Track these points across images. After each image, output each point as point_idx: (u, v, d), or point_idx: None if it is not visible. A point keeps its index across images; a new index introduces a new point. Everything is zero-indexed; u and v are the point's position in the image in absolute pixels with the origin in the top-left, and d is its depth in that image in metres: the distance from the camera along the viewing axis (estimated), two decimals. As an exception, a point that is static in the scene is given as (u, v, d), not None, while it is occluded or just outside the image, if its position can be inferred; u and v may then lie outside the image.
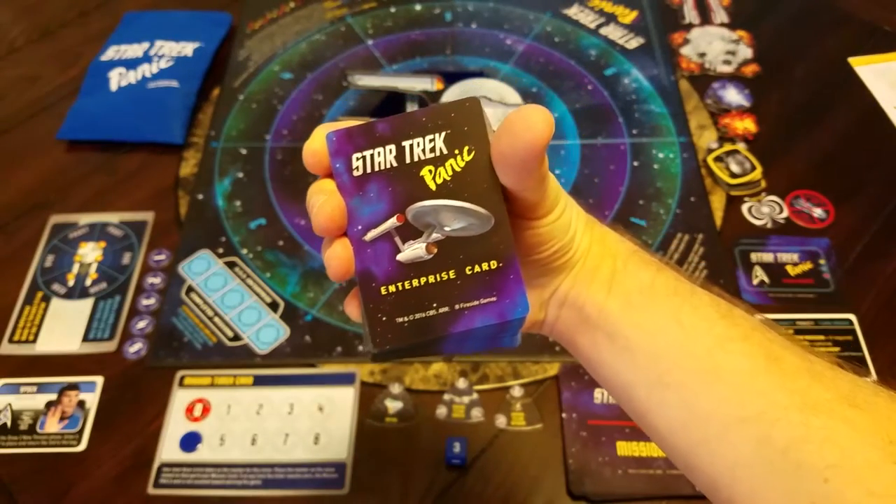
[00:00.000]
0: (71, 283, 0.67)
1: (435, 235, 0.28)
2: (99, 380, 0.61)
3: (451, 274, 0.28)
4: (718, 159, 0.74)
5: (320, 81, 0.84)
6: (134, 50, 0.86)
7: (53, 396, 0.60)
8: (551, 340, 0.61)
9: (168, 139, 0.78)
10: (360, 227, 0.28)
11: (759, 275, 0.65)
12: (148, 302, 0.66)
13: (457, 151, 0.28)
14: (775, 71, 0.82)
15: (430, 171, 0.28)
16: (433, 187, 0.28)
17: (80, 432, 0.58)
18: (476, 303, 0.28)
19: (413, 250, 0.28)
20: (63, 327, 0.64)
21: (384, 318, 0.28)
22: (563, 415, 0.57)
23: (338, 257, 0.28)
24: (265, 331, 0.63)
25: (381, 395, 0.59)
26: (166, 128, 0.78)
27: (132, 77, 0.82)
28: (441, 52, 0.86)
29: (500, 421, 0.57)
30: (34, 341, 0.64)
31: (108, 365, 0.62)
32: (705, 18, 0.89)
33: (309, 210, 0.29)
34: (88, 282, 0.67)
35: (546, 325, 0.33)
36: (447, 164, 0.28)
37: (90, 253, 0.70)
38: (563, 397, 0.58)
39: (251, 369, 0.61)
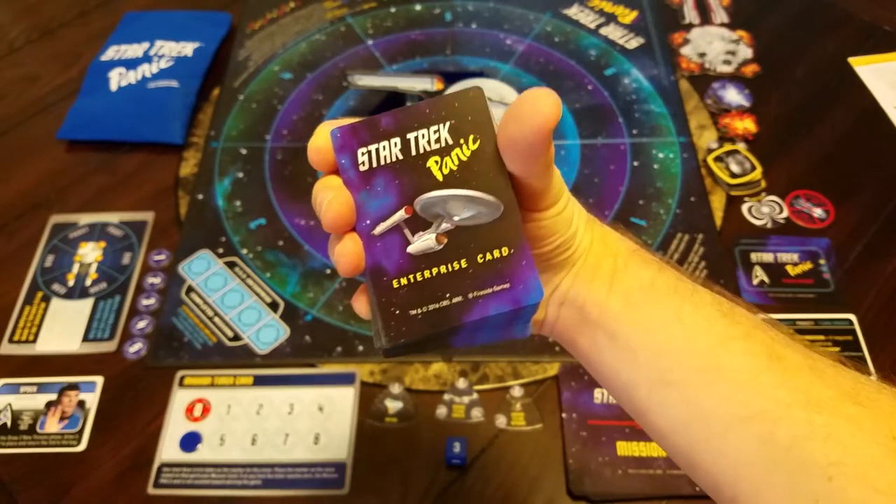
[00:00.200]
0: (71, 283, 0.67)
1: (444, 226, 0.28)
2: (99, 380, 0.61)
3: (463, 263, 0.28)
4: (718, 159, 0.74)
5: (320, 81, 0.84)
6: (134, 50, 0.86)
7: (53, 396, 0.60)
8: (551, 341, 0.61)
9: (168, 139, 0.78)
10: (368, 222, 0.28)
11: (759, 275, 0.65)
12: (148, 302, 0.66)
13: (462, 141, 0.28)
14: (775, 71, 0.82)
15: (437, 162, 0.28)
16: (440, 178, 0.28)
17: (80, 432, 0.58)
18: (489, 290, 0.28)
19: (423, 242, 0.28)
20: (63, 327, 0.64)
21: (397, 312, 0.28)
22: (563, 415, 0.57)
23: (348, 253, 0.28)
24: (265, 331, 0.63)
25: (381, 395, 0.59)
26: (166, 128, 0.78)
27: (132, 77, 0.82)
28: (441, 52, 0.86)
29: (500, 421, 0.57)
30: (34, 341, 0.64)
31: (108, 365, 0.62)
32: (705, 18, 0.89)
33: (316, 208, 0.29)
34: (88, 282, 0.67)
35: (546, 324, 0.33)
36: (453, 153, 0.28)
37: (90, 253, 0.70)
38: (563, 397, 0.58)
39: (251, 369, 0.61)
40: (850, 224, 0.69)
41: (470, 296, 0.28)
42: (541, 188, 0.28)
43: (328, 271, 0.67)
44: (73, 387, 0.61)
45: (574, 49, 0.86)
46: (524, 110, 0.26)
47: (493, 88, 0.81)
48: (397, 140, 0.29)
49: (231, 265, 0.68)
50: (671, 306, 0.30)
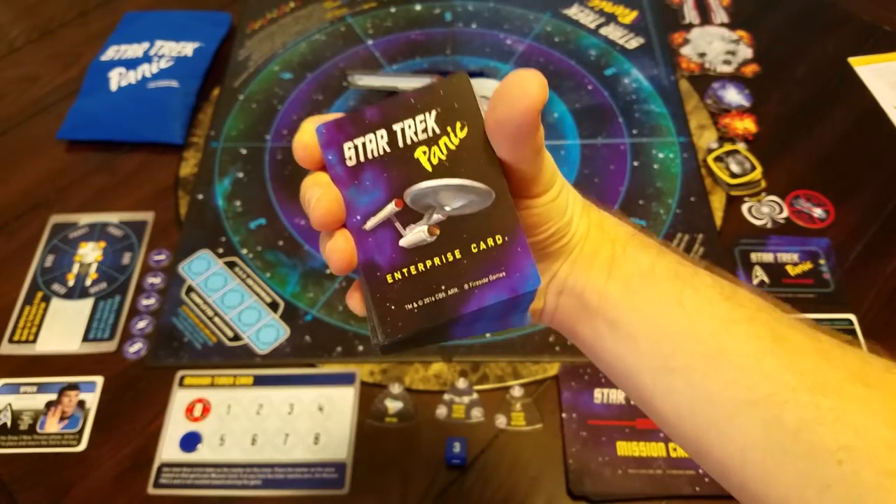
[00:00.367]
0: (71, 283, 0.67)
1: (436, 217, 0.28)
2: (99, 380, 0.61)
3: (457, 254, 0.27)
4: (718, 159, 0.74)
5: (320, 81, 0.84)
6: (134, 50, 0.86)
7: (53, 396, 0.60)
8: (551, 340, 0.61)
9: (168, 139, 0.78)
10: (358, 217, 0.28)
11: (759, 275, 0.65)
12: (148, 302, 0.66)
13: (449, 129, 0.28)
14: (775, 71, 0.82)
15: (425, 152, 0.28)
16: (429, 168, 0.28)
17: (80, 432, 0.58)
18: (485, 280, 0.27)
19: (415, 234, 0.27)
20: (63, 327, 0.64)
21: (392, 307, 0.27)
22: (563, 415, 0.57)
23: (339, 250, 0.27)
24: (265, 331, 0.63)
25: (381, 395, 0.59)
26: (166, 128, 0.78)
27: (132, 77, 0.82)
28: (441, 52, 0.86)
29: (500, 421, 0.57)
30: (34, 341, 0.64)
31: (108, 365, 0.62)
32: (705, 18, 0.89)
33: (305, 206, 0.28)
34: (88, 282, 0.67)
35: (545, 314, 0.33)
36: (441, 142, 0.28)
37: (90, 253, 0.70)
38: (563, 397, 0.58)
39: (251, 369, 0.61)
40: (850, 224, 0.69)
41: (466, 287, 0.27)
42: (532, 174, 0.28)
43: (328, 271, 0.67)
44: (73, 387, 0.61)
45: (574, 49, 0.86)
46: (511, 92, 0.25)
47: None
48: (383, 132, 0.28)
49: (231, 265, 0.68)
50: (672, 291, 0.29)
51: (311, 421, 0.58)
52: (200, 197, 0.73)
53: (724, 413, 0.27)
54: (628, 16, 0.89)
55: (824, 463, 0.24)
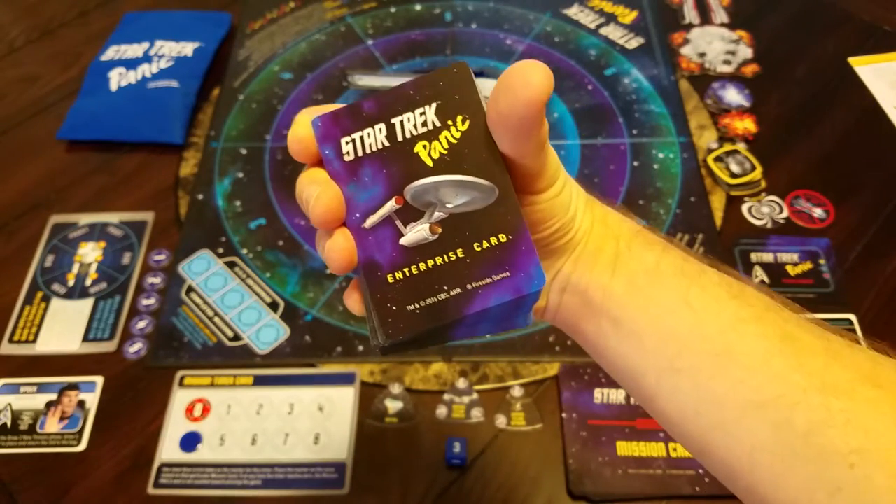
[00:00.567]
0: (71, 283, 0.67)
1: (438, 214, 0.27)
2: (99, 380, 0.61)
3: (460, 253, 0.26)
4: (718, 159, 0.74)
5: (320, 81, 0.84)
6: (134, 50, 0.86)
7: (53, 396, 0.60)
8: (551, 340, 0.61)
9: (168, 139, 0.78)
10: (357, 215, 0.27)
11: (759, 275, 0.65)
12: (148, 302, 0.66)
13: (450, 122, 0.27)
14: (775, 71, 0.82)
15: (425, 147, 0.27)
16: (430, 163, 0.27)
17: (80, 432, 0.58)
18: (489, 280, 0.26)
19: (416, 233, 0.27)
20: (63, 327, 0.64)
21: (393, 308, 0.26)
22: (563, 415, 0.57)
23: (339, 249, 0.26)
24: (265, 331, 0.63)
25: (381, 395, 0.59)
26: (166, 128, 0.78)
27: (132, 77, 0.82)
28: (441, 52, 0.86)
29: (500, 421, 0.57)
30: (34, 341, 0.64)
31: (108, 365, 0.62)
32: (705, 18, 0.89)
33: (303, 204, 0.28)
34: (88, 282, 0.67)
35: (548, 312, 0.32)
36: (442, 136, 0.27)
37: (90, 253, 0.70)
38: (563, 397, 0.58)
39: (251, 369, 0.61)
40: (850, 224, 0.69)
41: (469, 287, 0.26)
42: (535, 169, 0.27)
43: (328, 271, 0.67)
44: (73, 387, 0.61)
45: (574, 49, 0.86)
46: (514, 83, 0.24)
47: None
48: (382, 126, 0.27)
49: (231, 265, 0.68)
50: (678, 289, 0.28)
51: (311, 421, 0.58)
52: (200, 197, 0.73)
53: (731, 414, 0.26)
54: (628, 16, 0.89)
55: (835, 466, 0.24)
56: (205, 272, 0.67)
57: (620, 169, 0.74)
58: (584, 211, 0.30)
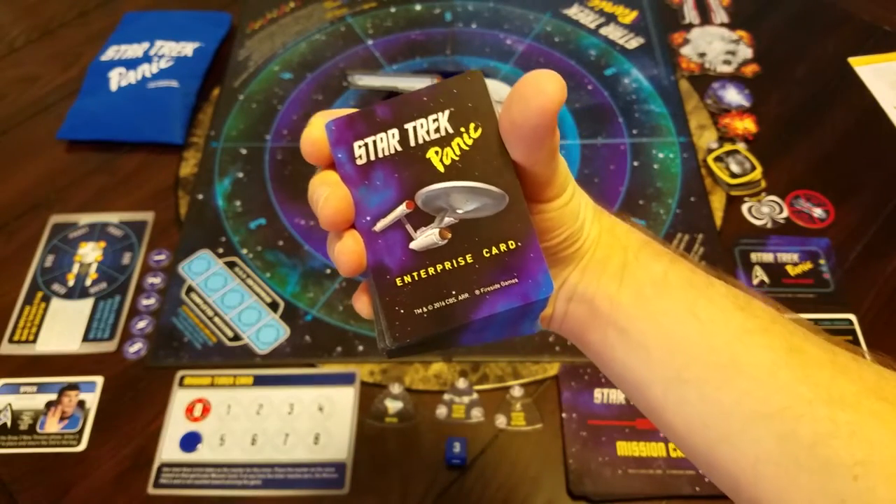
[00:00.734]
0: (71, 283, 0.67)
1: (448, 219, 0.27)
2: (99, 380, 0.61)
3: (469, 258, 0.27)
4: (718, 159, 0.74)
5: (320, 81, 0.84)
6: (134, 50, 0.86)
7: (53, 396, 0.60)
8: (551, 340, 0.61)
9: (168, 139, 0.78)
10: (368, 218, 0.27)
11: (759, 275, 0.65)
12: (148, 302, 0.66)
13: (463, 129, 0.27)
14: (775, 71, 0.82)
15: (437, 153, 0.27)
16: (441, 169, 0.27)
17: (80, 432, 0.58)
18: (497, 286, 0.26)
19: (426, 237, 0.27)
20: (63, 327, 0.64)
21: (401, 311, 0.26)
22: (563, 415, 0.57)
23: (349, 251, 0.27)
24: (265, 331, 0.63)
25: (381, 395, 0.59)
26: (166, 128, 0.78)
27: (132, 77, 0.82)
28: (441, 52, 0.86)
29: (500, 421, 0.57)
30: (34, 341, 0.64)
31: (108, 365, 0.62)
32: (705, 18, 0.89)
33: (313, 205, 0.28)
34: (88, 282, 0.67)
35: (554, 321, 0.32)
36: (454, 143, 0.27)
37: (90, 253, 0.70)
38: (563, 397, 0.58)
39: (251, 369, 0.61)
40: (850, 224, 0.69)
41: (477, 292, 0.26)
42: (546, 177, 0.27)
43: (328, 271, 0.67)
44: (73, 387, 0.61)
45: (574, 49, 0.86)
46: (527, 92, 0.24)
47: (493, 89, 0.80)
48: (395, 131, 0.27)
49: (231, 265, 0.68)
50: (686, 300, 0.28)
51: (311, 421, 0.58)
52: (200, 197, 0.73)
53: (737, 426, 0.26)
54: (628, 16, 0.89)
55: (840, 478, 0.24)
56: (205, 272, 0.67)
57: (620, 169, 0.74)
58: (593, 221, 0.30)
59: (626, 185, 0.72)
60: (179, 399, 0.60)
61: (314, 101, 0.82)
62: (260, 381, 0.60)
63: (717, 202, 0.71)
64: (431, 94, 0.28)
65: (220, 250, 0.69)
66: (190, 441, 0.57)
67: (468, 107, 0.27)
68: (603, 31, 0.88)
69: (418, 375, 0.60)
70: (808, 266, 0.66)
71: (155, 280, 0.67)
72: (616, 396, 0.58)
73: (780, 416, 0.25)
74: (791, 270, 0.66)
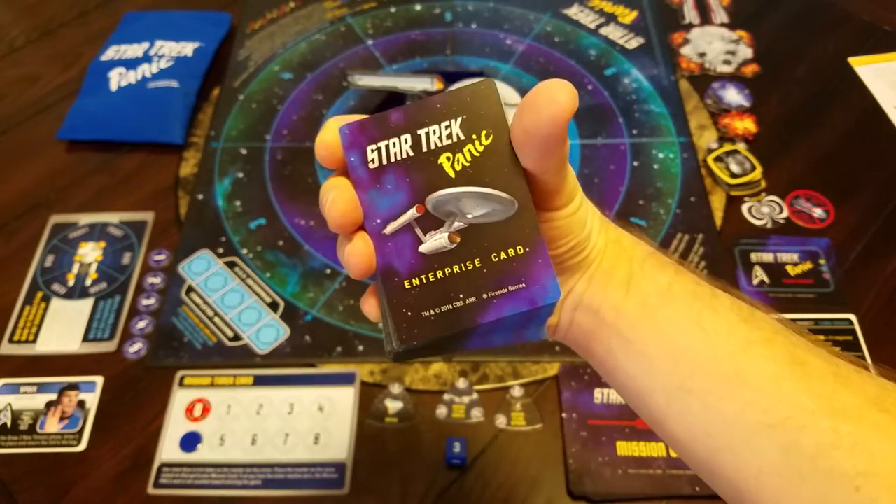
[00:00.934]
0: (71, 283, 0.67)
1: (457, 224, 0.27)
2: (99, 380, 0.61)
3: (477, 262, 0.27)
4: (718, 159, 0.74)
5: (320, 81, 0.84)
6: (134, 50, 0.86)
7: (53, 396, 0.60)
8: (551, 340, 0.61)
9: (168, 139, 0.78)
10: (378, 221, 0.27)
11: (759, 275, 0.65)
12: (148, 302, 0.66)
13: (474, 136, 0.28)
14: (775, 71, 0.82)
15: (449, 159, 0.28)
16: (452, 174, 0.27)
17: (80, 432, 0.58)
18: (504, 290, 0.27)
19: (435, 241, 0.27)
20: (63, 327, 0.64)
21: (409, 314, 0.27)
22: (563, 415, 0.57)
23: (359, 253, 0.27)
24: (265, 331, 0.63)
25: (381, 395, 0.59)
26: (166, 128, 0.78)
27: (132, 77, 0.82)
28: (441, 52, 0.86)
29: (500, 421, 0.57)
30: (34, 341, 0.64)
31: (108, 365, 0.62)
32: (705, 18, 0.89)
33: (322, 207, 0.28)
34: (88, 282, 0.67)
35: (560, 330, 0.32)
36: (465, 149, 0.28)
37: (90, 253, 0.70)
38: (563, 397, 0.58)
39: (251, 369, 0.61)
40: (850, 224, 0.69)
41: (484, 296, 0.27)
42: (555, 185, 0.27)
43: (328, 271, 0.67)
44: (73, 387, 0.61)
45: (574, 49, 0.86)
46: (539, 100, 0.25)
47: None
48: (408, 136, 0.28)
49: (231, 265, 0.68)
50: (690, 311, 0.29)
51: (311, 421, 0.58)
52: (200, 197, 0.73)
53: (740, 436, 0.26)
54: (628, 16, 0.89)
55: (842, 489, 0.24)
56: (205, 272, 0.67)
57: (620, 169, 0.74)
58: (599, 231, 0.31)
59: (626, 185, 0.72)
60: (179, 399, 0.60)
61: (314, 101, 0.82)
62: (260, 381, 0.60)
63: (717, 202, 0.71)
64: (445, 101, 0.28)
65: (220, 250, 0.69)
66: (190, 441, 0.57)
67: (480, 114, 0.28)
68: (603, 31, 0.88)
69: (418, 375, 0.60)
70: (808, 266, 0.66)
71: (155, 280, 0.67)
72: (616, 397, 0.58)
73: (782, 426, 0.25)
74: (791, 270, 0.66)
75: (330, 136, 0.28)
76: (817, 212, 0.70)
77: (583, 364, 0.60)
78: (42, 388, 0.61)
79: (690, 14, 0.89)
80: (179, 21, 0.90)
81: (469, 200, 0.27)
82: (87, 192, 0.75)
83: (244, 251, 0.69)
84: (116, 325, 0.64)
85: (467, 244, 0.27)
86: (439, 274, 0.27)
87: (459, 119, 0.28)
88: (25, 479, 0.56)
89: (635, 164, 0.74)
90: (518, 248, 0.27)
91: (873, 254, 0.66)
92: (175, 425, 0.58)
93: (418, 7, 0.91)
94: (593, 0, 0.91)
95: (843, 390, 0.26)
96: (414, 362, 0.61)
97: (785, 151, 0.75)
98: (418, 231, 0.27)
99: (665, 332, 0.29)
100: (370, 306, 0.29)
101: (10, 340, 0.64)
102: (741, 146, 0.75)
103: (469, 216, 0.27)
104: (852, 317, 0.62)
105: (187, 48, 0.85)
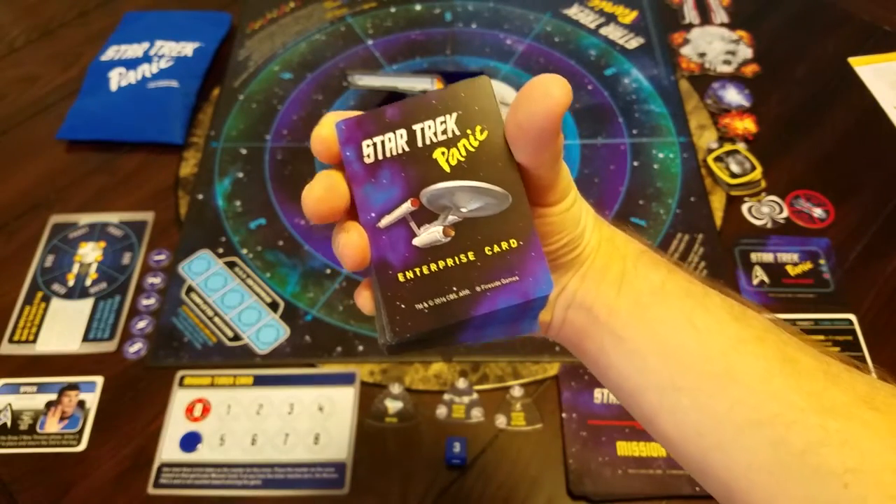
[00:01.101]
0: (71, 283, 0.67)
1: (451, 218, 0.28)
2: (99, 380, 0.61)
3: (470, 256, 0.27)
4: (718, 159, 0.74)
5: (320, 81, 0.84)
6: (134, 50, 0.86)
7: (53, 396, 0.60)
8: (551, 340, 0.61)
9: (168, 139, 0.78)
10: (373, 215, 0.28)
11: (759, 275, 0.65)
12: (148, 302, 0.66)
13: (469, 132, 0.28)
14: (775, 71, 0.82)
15: (443, 153, 0.28)
16: (447, 169, 0.28)
17: (80, 432, 0.58)
18: (497, 283, 0.27)
19: (429, 234, 0.27)
20: (63, 327, 0.64)
21: (403, 306, 0.27)
22: (563, 415, 0.57)
23: (353, 245, 0.27)
24: (265, 331, 0.63)
25: (381, 395, 0.59)
26: (166, 128, 0.78)
27: (132, 77, 0.82)
28: (441, 52, 0.86)
29: (500, 421, 0.57)
30: (34, 341, 0.64)
31: (108, 365, 0.62)
32: (705, 18, 0.89)
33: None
34: (88, 282, 0.67)
35: (553, 328, 0.33)
36: (460, 144, 0.28)
37: (90, 253, 0.70)
38: (563, 397, 0.58)
39: (251, 369, 0.61)
40: (850, 224, 0.69)
41: (478, 289, 0.27)
42: (549, 181, 0.28)
43: (328, 271, 0.67)
44: (73, 387, 0.61)
45: (574, 49, 0.86)
46: (534, 94, 0.25)
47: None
48: (403, 131, 0.28)
49: (231, 265, 0.68)
50: (682, 310, 0.29)
51: (311, 421, 0.58)
52: (200, 197, 0.73)
53: (730, 433, 0.27)
54: (628, 16, 0.89)
55: (830, 486, 0.24)
56: (205, 272, 0.67)
57: (620, 169, 0.74)
58: (593, 229, 0.31)
59: (626, 185, 0.72)
60: (179, 399, 0.60)
61: (314, 101, 0.82)
62: (260, 381, 0.60)
63: (717, 202, 0.71)
64: (440, 97, 0.28)
65: (220, 250, 0.69)
66: (190, 441, 0.57)
67: (475, 110, 0.28)
68: (603, 31, 0.88)
69: (418, 375, 0.60)
70: (808, 266, 0.66)
71: (155, 280, 0.67)
72: (616, 396, 0.58)
73: (771, 423, 0.26)
74: (791, 270, 0.66)
75: (326, 131, 0.28)
76: (817, 212, 0.70)
77: (583, 364, 0.60)
78: (42, 388, 0.61)
79: (690, 14, 0.89)
80: (179, 21, 0.90)
81: (463, 194, 0.28)
82: (87, 192, 0.75)
83: (244, 251, 0.69)
84: (116, 325, 0.64)
85: (461, 237, 0.27)
86: (433, 267, 0.27)
87: (454, 115, 0.28)
88: (25, 479, 0.56)
89: (635, 164, 0.74)
90: (511, 241, 0.27)
91: (873, 254, 0.66)
92: (175, 425, 0.58)
93: (418, 7, 0.91)
94: (593, 0, 0.91)
95: (832, 388, 0.26)
96: (411, 361, 0.61)
97: (785, 151, 0.75)
98: (413, 224, 0.28)
99: (657, 330, 0.29)
100: (364, 299, 0.29)
101: (10, 340, 0.64)
102: (741, 146, 0.75)
103: (463, 210, 0.28)
104: (852, 317, 0.62)
105: (187, 48, 0.85)
